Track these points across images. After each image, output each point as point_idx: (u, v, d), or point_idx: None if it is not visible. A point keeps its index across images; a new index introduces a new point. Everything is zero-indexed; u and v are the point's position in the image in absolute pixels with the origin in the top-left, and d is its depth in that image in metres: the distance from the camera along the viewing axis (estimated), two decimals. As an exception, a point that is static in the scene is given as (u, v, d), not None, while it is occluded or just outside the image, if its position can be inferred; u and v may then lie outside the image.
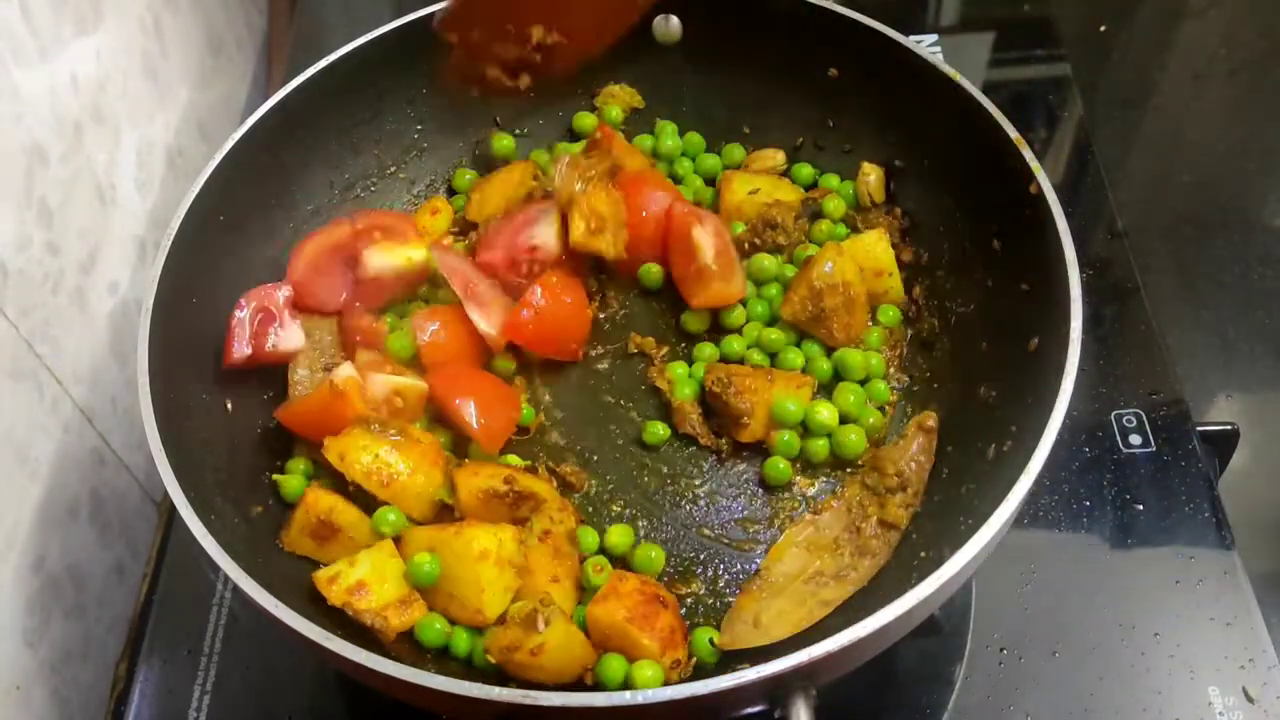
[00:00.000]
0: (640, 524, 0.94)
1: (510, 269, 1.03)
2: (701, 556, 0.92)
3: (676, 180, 1.15)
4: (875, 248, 1.02)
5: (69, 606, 1.01)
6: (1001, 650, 0.93)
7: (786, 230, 1.06)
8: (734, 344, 1.02)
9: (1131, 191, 1.34)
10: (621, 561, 0.91)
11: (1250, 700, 0.88)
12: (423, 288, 1.06)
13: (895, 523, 0.89)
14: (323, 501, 0.88)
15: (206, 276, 0.96)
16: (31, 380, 0.97)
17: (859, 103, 1.10)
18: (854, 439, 0.95)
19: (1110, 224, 1.20)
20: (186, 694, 0.95)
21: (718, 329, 1.05)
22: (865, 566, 0.87)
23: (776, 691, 0.69)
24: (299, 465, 0.95)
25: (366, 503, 0.89)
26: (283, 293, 0.99)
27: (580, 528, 0.91)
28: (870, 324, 1.03)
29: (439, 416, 0.97)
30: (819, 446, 0.96)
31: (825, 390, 1.00)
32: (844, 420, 0.97)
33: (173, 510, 0.80)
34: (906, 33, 1.04)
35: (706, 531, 0.94)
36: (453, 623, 0.85)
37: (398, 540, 0.88)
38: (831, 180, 1.13)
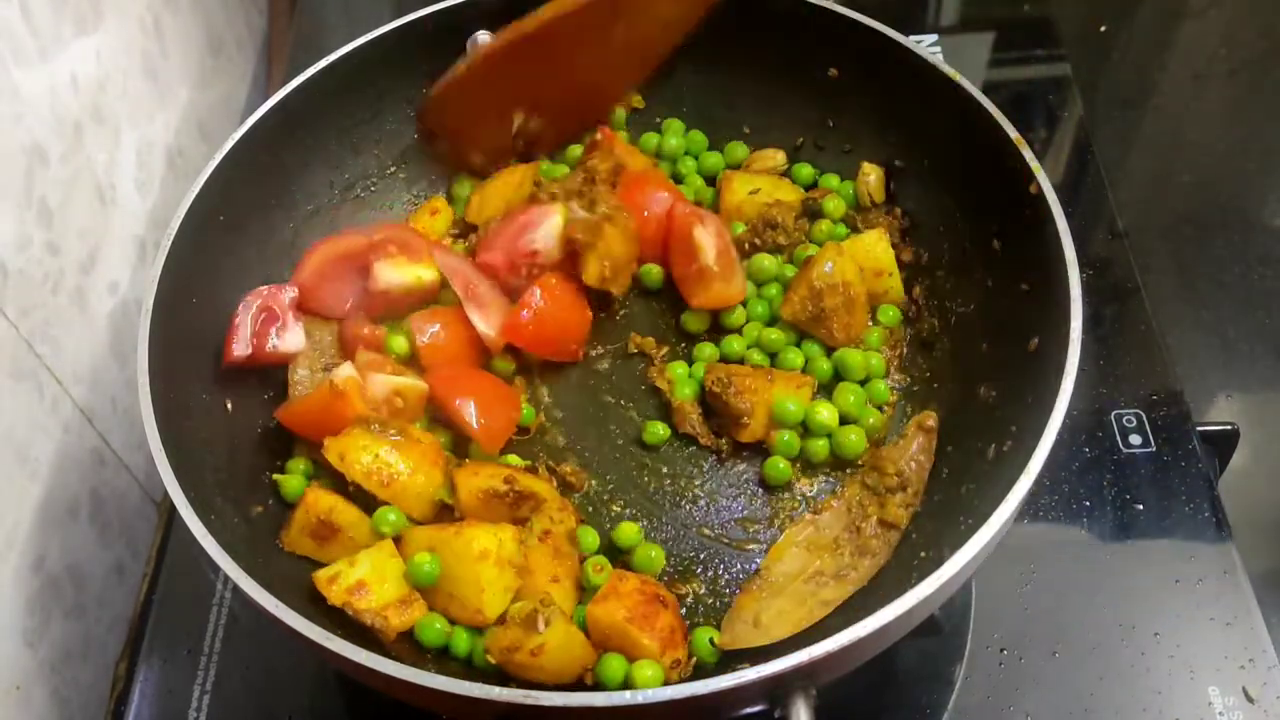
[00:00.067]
0: (640, 524, 0.94)
1: (510, 271, 1.03)
2: (701, 556, 0.92)
3: (678, 180, 1.15)
4: (875, 248, 1.02)
5: (69, 606, 1.01)
6: (1001, 650, 0.93)
7: (787, 230, 1.06)
8: (734, 344, 1.02)
9: (1131, 191, 1.34)
10: (622, 561, 0.91)
11: (1250, 700, 0.88)
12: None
13: (895, 522, 0.89)
14: (323, 501, 0.88)
15: (206, 276, 0.96)
16: (31, 380, 0.97)
17: (859, 103, 1.10)
18: (854, 439, 0.95)
19: (1110, 224, 1.20)
20: (186, 694, 0.95)
21: (718, 329, 1.05)
22: (865, 566, 0.87)
23: (776, 691, 0.69)
24: (299, 465, 0.95)
25: (366, 503, 0.89)
26: (288, 294, 0.99)
27: (580, 528, 0.92)
28: (870, 324, 1.03)
29: (439, 416, 0.97)
30: (819, 446, 0.96)
31: (825, 390, 1.00)
32: (844, 420, 0.97)
33: (173, 510, 0.80)
34: (906, 33, 1.04)
35: (706, 531, 0.94)
36: (453, 623, 0.85)
37: (398, 540, 0.88)
38: (831, 180, 1.12)
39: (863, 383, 1.00)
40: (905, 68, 1.02)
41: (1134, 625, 0.93)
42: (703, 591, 0.90)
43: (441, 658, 0.85)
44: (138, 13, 1.21)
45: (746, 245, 1.07)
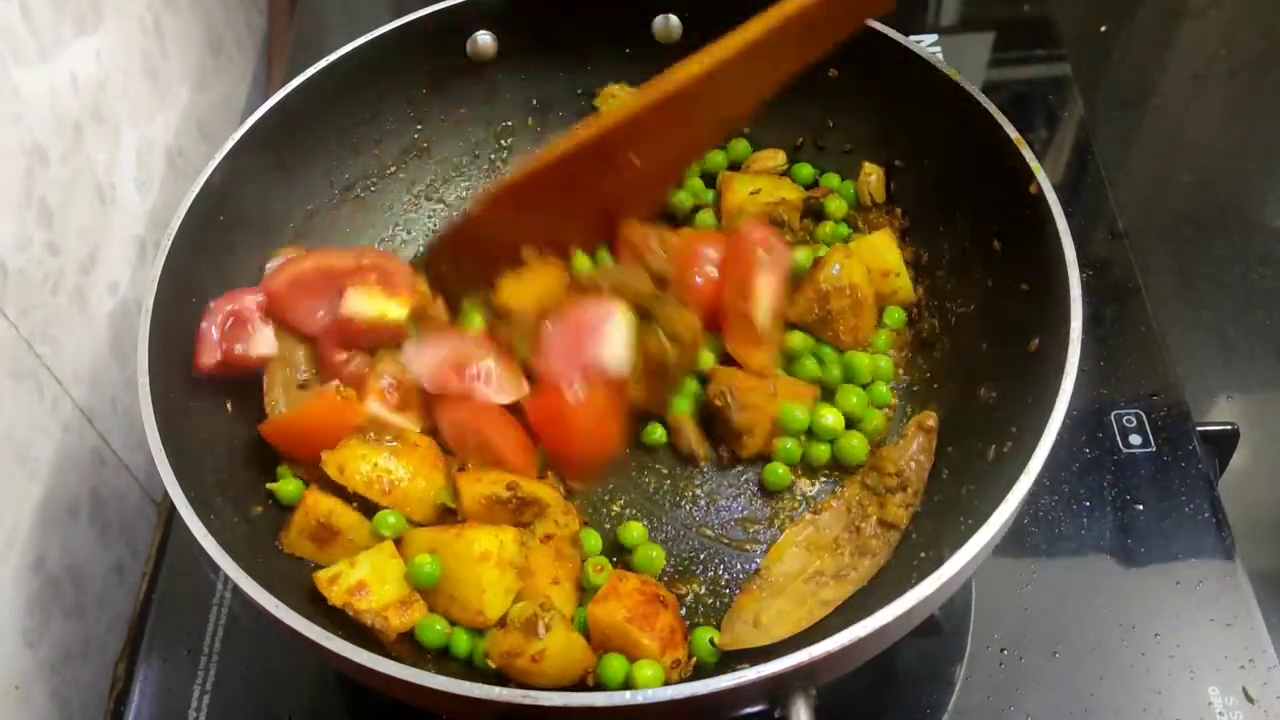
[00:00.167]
0: (640, 524, 0.94)
1: (568, 383, 0.91)
2: (701, 556, 0.92)
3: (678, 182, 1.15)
4: (883, 248, 1.02)
5: (69, 606, 1.01)
6: (1001, 650, 0.93)
7: (792, 229, 1.06)
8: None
9: (1131, 191, 1.34)
10: (623, 562, 0.91)
11: (1250, 700, 0.88)
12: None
13: (895, 522, 0.89)
14: (322, 504, 0.88)
15: (206, 276, 0.96)
16: (31, 380, 0.97)
17: (859, 103, 1.10)
18: (856, 444, 0.95)
19: (1110, 224, 1.20)
20: (186, 694, 0.95)
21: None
22: (865, 566, 0.87)
23: (776, 691, 0.69)
24: (288, 473, 0.93)
25: (366, 505, 0.89)
26: (254, 299, 0.96)
27: (584, 530, 0.91)
28: (878, 327, 1.03)
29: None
30: (821, 451, 0.96)
31: (826, 392, 1.00)
32: (846, 424, 0.97)
33: (173, 510, 0.80)
34: (906, 33, 1.04)
35: (707, 531, 0.94)
36: (453, 624, 0.85)
37: (399, 541, 0.88)
38: (832, 180, 1.12)
39: (865, 385, 1.00)
40: (905, 68, 1.02)
41: (1134, 625, 0.93)
42: (703, 591, 0.90)
43: (441, 658, 0.85)
44: (138, 13, 1.21)
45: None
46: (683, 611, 0.88)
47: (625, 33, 1.15)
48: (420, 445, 0.91)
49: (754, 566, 0.91)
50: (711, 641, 0.84)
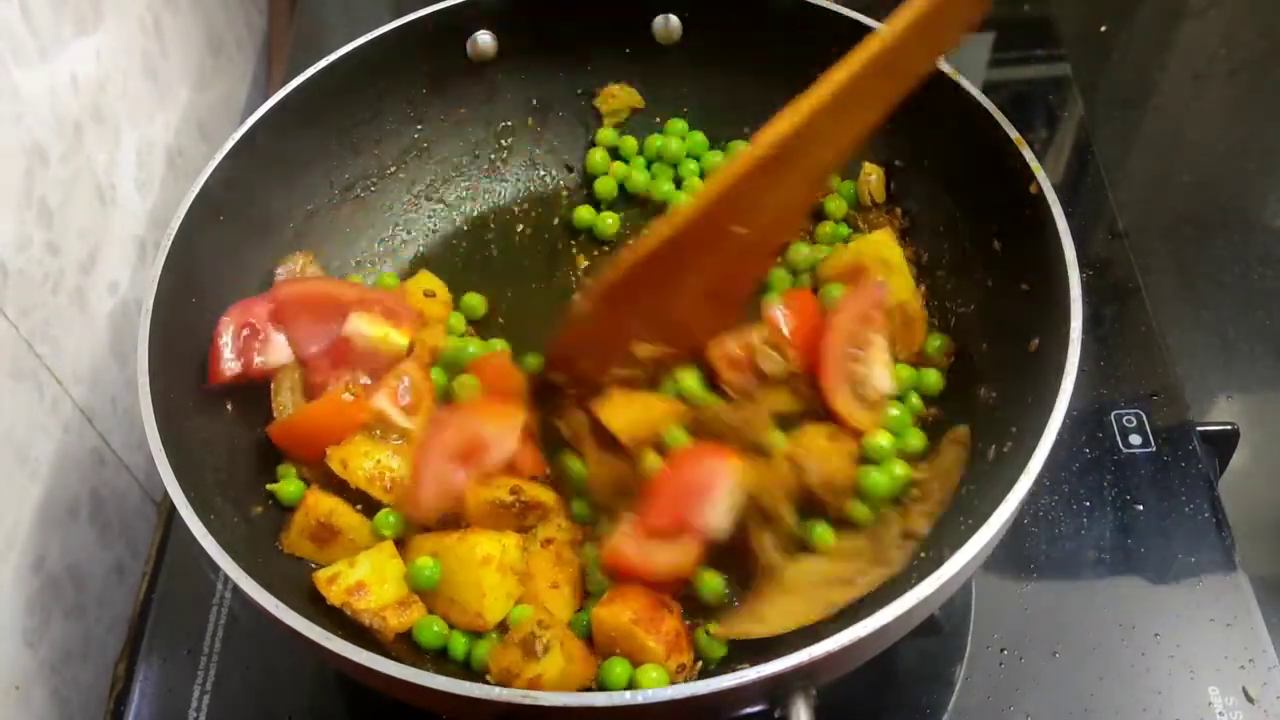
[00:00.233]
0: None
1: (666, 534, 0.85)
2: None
3: (678, 182, 1.15)
4: (883, 248, 1.02)
5: (69, 606, 1.01)
6: (1001, 650, 0.93)
7: None
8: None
9: (1131, 191, 1.34)
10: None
11: (1250, 700, 0.88)
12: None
13: (916, 532, 0.86)
14: (323, 504, 0.88)
15: (206, 276, 0.96)
16: (31, 380, 0.97)
17: (859, 103, 1.10)
18: (899, 473, 0.89)
19: (1110, 224, 1.20)
20: (186, 694, 0.95)
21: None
22: (877, 575, 0.85)
23: (776, 691, 0.69)
24: (290, 470, 0.93)
25: (367, 505, 0.89)
26: (264, 307, 0.96)
27: (586, 544, 0.91)
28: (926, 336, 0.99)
29: None
30: (883, 483, 0.89)
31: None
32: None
33: (173, 510, 0.80)
34: (906, 33, 1.03)
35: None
36: (452, 627, 0.85)
37: (399, 542, 0.88)
38: (832, 180, 1.12)
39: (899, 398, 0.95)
40: (905, 68, 1.02)
41: (1134, 625, 0.93)
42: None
43: (440, 659, 0.85)
44: (138, 13, 1.21)
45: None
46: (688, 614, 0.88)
47: (625, 33, 1.15)
48: (424, 445, 0.91)
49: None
50: (707, 631, 0.83)
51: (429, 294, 1.05)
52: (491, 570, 0.83)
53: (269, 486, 0.92)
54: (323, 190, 1.09)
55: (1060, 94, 1.34)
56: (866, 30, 1.04)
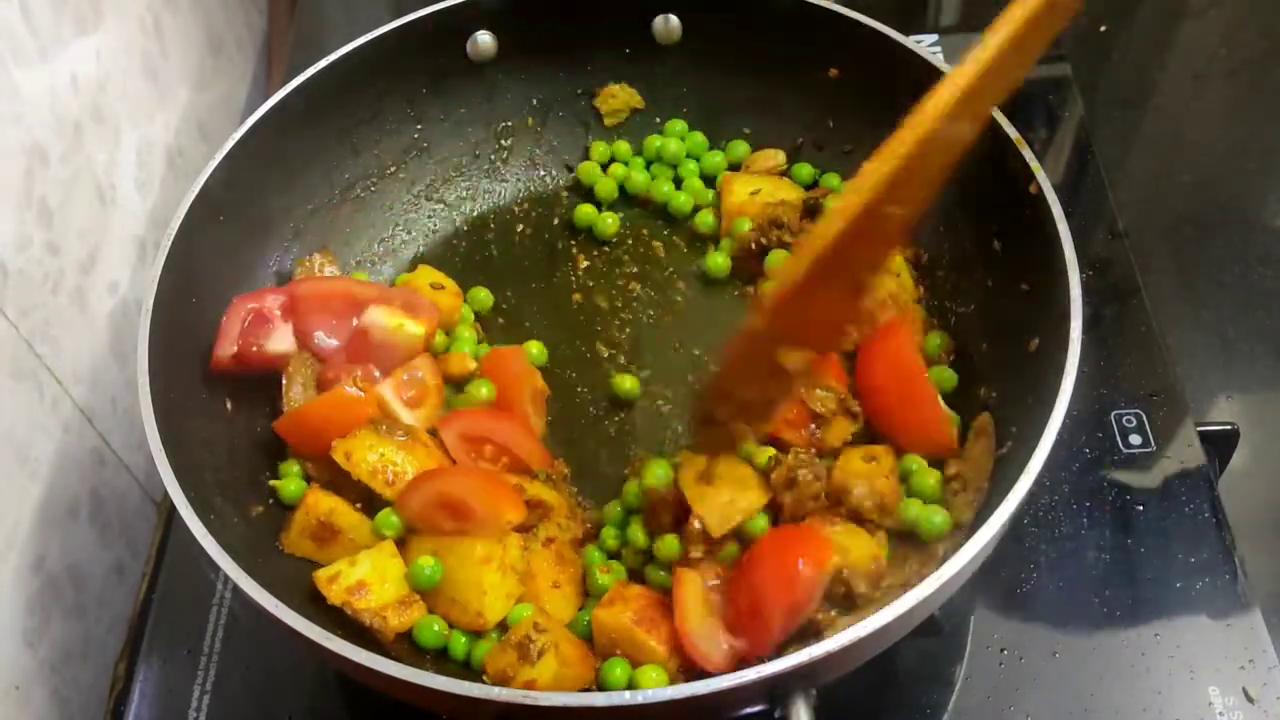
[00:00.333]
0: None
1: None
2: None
3: (678, 182, 1.15)
4: None
5: (69, 606, 1.01)
6: (1001, 650, 0.92)
7: (792, 229, 1.06)
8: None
9: (1131, 191, 1.34)
10: (636, 574, 0.90)
11: (1250, 700, 0.88)
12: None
13: (964, 521, 0.85)
14: (323, 504, 0.88)
15: (206, 276, 0.96)
16: (31, 380, 0.97)
17: (859, 103, 1.10)
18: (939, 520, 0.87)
19: (1110, 224, 1.20)
20: (186, 694, 0.95)
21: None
22: (930, 571, 0.82)
23: (776, 691, 0.69)
24: (292, 468, 0.94)
25: (368, 505, 0.89)
26: (278, 298, 0.97)
27: (587, 546, 0.91)
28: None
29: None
30: (929, 485, 0.89)
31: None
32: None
33: (173, 510, 0.80)
34: (906, 33, 1.04)
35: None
36: (452, 626, 0.85)
37: (400, 541, 0.88)
38: (832, 180, 1.12)
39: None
40: (905, 68, 1.02)
41: (1134, 625, 0.93)
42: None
43: (440, 659, 0.85)
44: (138, 13, 1.21)
45: (753, 244, 1.07)
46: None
47: (625, 33, 1.15)
48: (429, 445, 0.91)
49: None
50: None
51: (436, 286, 1.05)
52: (492, 570, 0.83)
53: (271, 482, 0.92)
54: (323, 190, 1.09)
55: (1060, 94, 1.34)
56: (866, 30, 1.04)
